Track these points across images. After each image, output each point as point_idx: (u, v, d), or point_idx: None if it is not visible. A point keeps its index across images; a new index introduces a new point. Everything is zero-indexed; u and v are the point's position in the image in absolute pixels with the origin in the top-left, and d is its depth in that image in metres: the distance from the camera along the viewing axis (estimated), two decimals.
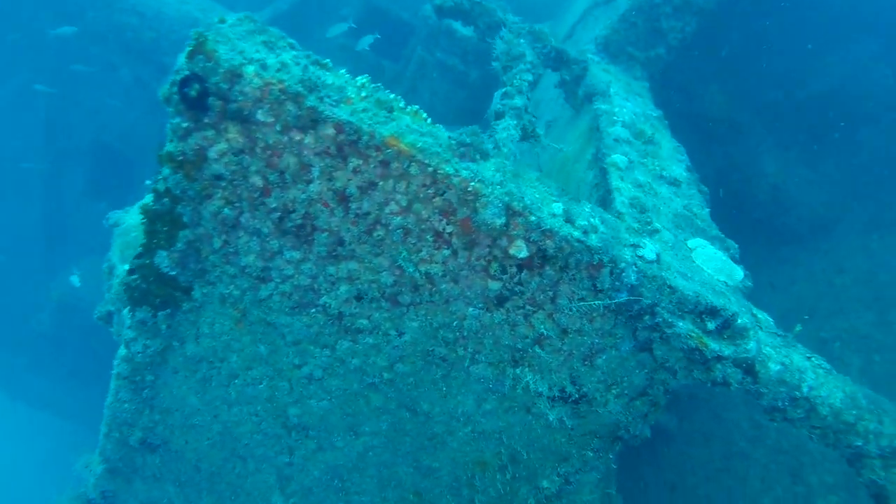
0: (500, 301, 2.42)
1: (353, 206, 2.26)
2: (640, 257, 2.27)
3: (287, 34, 2.43)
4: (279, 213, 2.35)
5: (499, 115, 3.17)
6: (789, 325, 7.56)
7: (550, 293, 2.34)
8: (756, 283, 8.59)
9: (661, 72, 5.24)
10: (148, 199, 2.40)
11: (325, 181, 2.23)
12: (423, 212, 2.23)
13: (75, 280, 8.64)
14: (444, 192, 2.17)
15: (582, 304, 2.28)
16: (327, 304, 2.60)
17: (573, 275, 2.26)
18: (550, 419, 2.58)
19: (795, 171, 7.51)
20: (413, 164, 2.13)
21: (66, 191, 12.51)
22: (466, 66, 8.15)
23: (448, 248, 2.30)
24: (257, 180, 2.27)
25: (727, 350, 2.25)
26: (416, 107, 2.36)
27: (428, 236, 2.28)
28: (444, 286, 2.41)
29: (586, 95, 4.07)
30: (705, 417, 6.08)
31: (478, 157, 2.24)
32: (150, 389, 2.90)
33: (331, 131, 2.10)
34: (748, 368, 2.27)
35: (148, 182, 2.51)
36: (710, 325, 2.27)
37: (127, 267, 2.53)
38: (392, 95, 2.33)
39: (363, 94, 2.22)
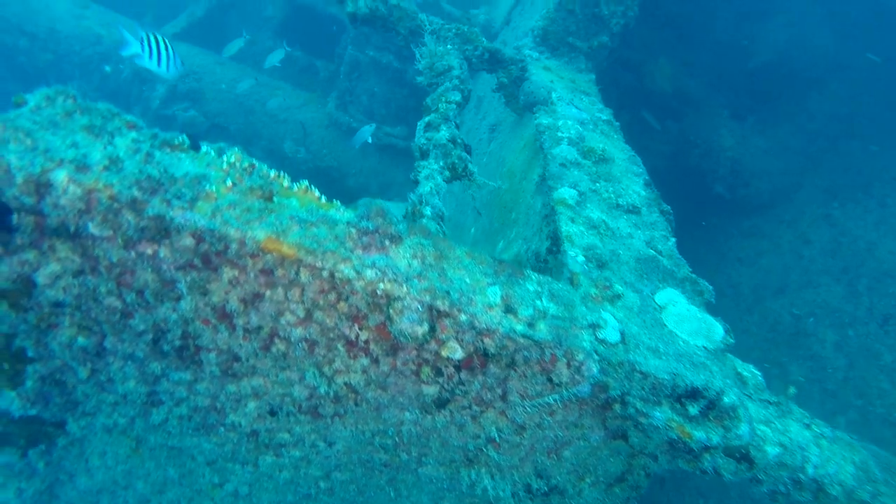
0: (441, 404, 1.98)
1: (240, 321, 1.78)
2: (602, 341, 1.86)
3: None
4: (151, 335, 1.85)
5: (424, 153, 2.70)
6: (762, 300, 7.34)
7: (499, 391, 1.92)
8: (723, 258, 8.32)
9: (607, 58, 4.82)
10: None
11: (198, 296, 1.73)
12: (328, 320, 1.76)
13: None
14: (349, 298, 1.71)
15: (537, 401, 1.87)
16: (236, 423, 2.14)
17: (523, 371, 1.84)
18: None
19: (752, 142, 7.25)
20: (302, 269, 1.66)
21: None
22: (402, 62, 7.58)
23: (366, 357, 1.85)
24: (113, 301, 1.76)
25: (715, 437, 1.87)
26: (305, 182, 1.88)
27: (339, 346, 1.82)
28: (370, 395, 1.97)
29: (527, 105, 3.61)
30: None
31: (387, 242, 1.77)
32: None
33: (188, 241, 1.61)
34: (742, 456, 1.89)
35: None
36: (693, 410, 1.88)
37: None
38: (272, 173, 1.84)
39: (229, 181, 1.72)
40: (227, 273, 1.67)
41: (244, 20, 9.55)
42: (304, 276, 1.66)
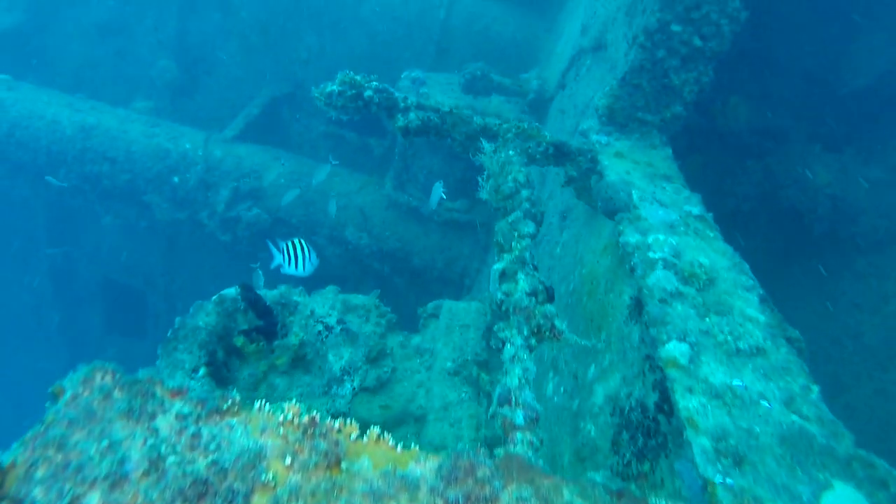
0: None
1: None
2: None
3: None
4: None
5: (502, 312, 2.36)
6: (894, 354, 6.38)
7: None
8: (835, 303, 7.40)
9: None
10: None
11: None
12: None
13: None
14: None
15: None
16: None
17: None
18: None
19: (855, 174, 6.46)
20: None
21: (83, 335, 12.22)
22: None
23: None
24: None
25: None
26: (377, 430, 1.58)
27: None
28: None
29: (606, 212, 3.22)
30: None
31: None
32: None
33: None
34: None
35: None
36: None
37: None
38: (335, 425, 1.55)
39: (289, 457, 1.44)
40: None
41: (296, 109, 9.79)
42: None
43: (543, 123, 6.95)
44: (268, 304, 3.32)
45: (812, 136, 6.62)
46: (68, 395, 1.47)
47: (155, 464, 1.37)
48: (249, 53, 9.60)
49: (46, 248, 10.80)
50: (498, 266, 2.53)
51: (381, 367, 4.45)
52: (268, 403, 1.59)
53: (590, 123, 4.24)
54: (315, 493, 1.41)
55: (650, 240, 2.82)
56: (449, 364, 4.46)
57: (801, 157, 6.64)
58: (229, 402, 1.55)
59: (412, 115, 3.78)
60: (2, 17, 9.55)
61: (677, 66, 3.99)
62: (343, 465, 1.49)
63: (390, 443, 1.57)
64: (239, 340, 3.21)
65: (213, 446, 1.44)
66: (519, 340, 2.13)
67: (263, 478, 1.40)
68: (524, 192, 2.97)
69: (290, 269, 3.49)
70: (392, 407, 4.33)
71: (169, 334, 2.91)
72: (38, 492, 1.27)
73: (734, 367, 2.21)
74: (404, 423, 3.87)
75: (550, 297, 2.49)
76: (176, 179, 8.32)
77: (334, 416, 1.67)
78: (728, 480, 1.77)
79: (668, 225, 3.09)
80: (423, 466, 1.53)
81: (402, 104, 3.81)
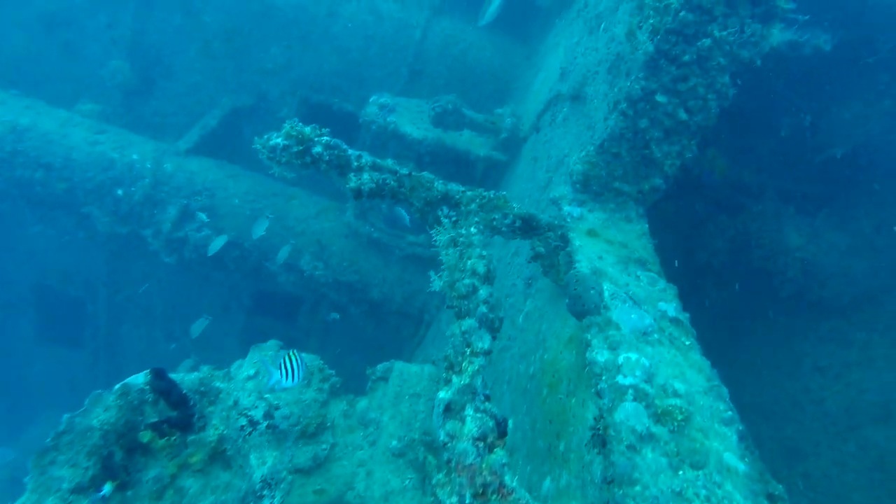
0: None
1: None
2: None
3: None
4: None
5: (439, 464, 1.98)
6: (860, 427, 6.28)
7: None
8: (798, 364, 7.27)
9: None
10: None
11: None
12: None
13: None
14: None
15: None
16: None
17: None
18: None
19: (826, 239, 6.33)
20: None
21: (12, 342, 11.38)
22: (423, 168, 6.98)
23: None
24: None
25: None
26: None
27: None
28: None
29: (574, 312, 2.87)
30: None
31: None
32: None
33: None
34: None
35: None
36: None
37: None
38: None
39: None
40: None
41: (258, 121, 9.24)
42: None
43: (515, 165, 6.62)
44: (183, 392, 2.86)
45: (786, 196, 6.47)
46: None
47: None
48: (211, 60, 9.02)
49: None
50: (443, 395, 2.15)
51: (320, 442, 4.02)
52: None
53: (562, 191, 3.91)
54: None
55: (620, 359, 2.48)
56: (394, 443, 4.06)
57: (775, 217, 6.48)
58: None
59: (366, 177, 3.38)
60: None
61: (660, 137, 3.69)
62: None
63: None
64: (146, 436, 2.75)
65: None
66: None
67: None
68: (482, 293, 2.60)
69: (287, 383, 3.41)
70: (328, 491, 3.90)
71: (48, 441, 2.43)
72: None
73: None
74: None
75: (503, 433, 2.13)
76: (120, 192, 7.70)
77: None
78: None
79: (641, 333, 2.77)
80: None
81: (355, 163, 3.40)
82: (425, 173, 3.49)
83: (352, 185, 3.39)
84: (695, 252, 6.91)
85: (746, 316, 7.30)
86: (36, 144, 7.50)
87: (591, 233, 3.57)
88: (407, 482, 3.85)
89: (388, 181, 3.39)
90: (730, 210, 6.75)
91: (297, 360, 3.25)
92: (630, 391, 2.36)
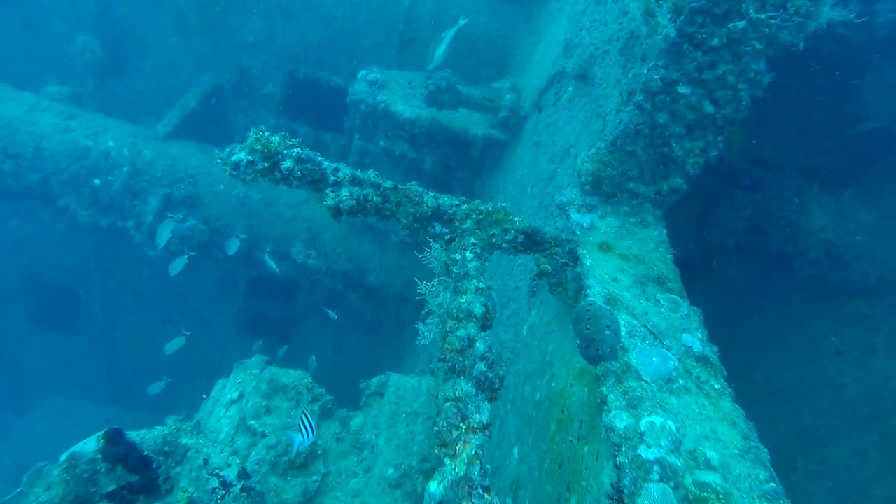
0: None
1: None
2: None
3: None
4: None
5: None
6: (884, 416, 6.00)
7: None
8: (817, 348, 6.94)
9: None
10: None
11: None
12: None
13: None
14: None
15: None
16: None
17: None
18: None
19: (853, 218, 5.87)
20: None
21: (6, 332, 11.18)
22: (418, 151, 6.52)
23: None
24: None
25: None
26: None
27: None
28: None
29: (588, 357, 2.49)
30: None
31: None
32: None
33: None
34: None
35: None
36: None
37: None
38: None
39: None
40: None
41: (244, 100, 8.66)
42: None
43: (515, 146, 6.12)
44: (144, 453, 2.52)
45: (810, 172, 5.98)
46: None
47: None
48: (187, 34, 8.37)
49: None
50: (434, 490, 1.79)
51: (310, 473, 3.73)
52: None
53: (569, 195, 3.46)
54: None
55: (643, 424, 2.11)
56: (391, 471, 3.76)
57: (797, 195, 6.01)
58: None
59: (345, 193, 2.94)
60: None
61: (681, 133, 3.22)
62: None
63: None
64: None
65: None
66: None
67: None
68: (480, 346, 2.21)
69: (308, 441, 3.43)
70: None
71: None
72: None
73: None
74: None
75: None
76: (97, 182, 7.24)
77: None
78: None
79: (665, 380, 2.39)
80: None
81: (332, 177, 2.96)
82: (413, 185, 3.05)
83: (329, 202, 2.95)
84: (708, 232, 6.49)
85: (761, 295, 6.93)
86: (2, 133, 6.99)
87: (604, 247, 3.15)
88: None
89: (370, 197, 2.96)
90: (747, 187, 6.28)
91: (309, 419, 3.13)
92: (655, 468, 1.99)
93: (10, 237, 9.40)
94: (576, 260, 3.09)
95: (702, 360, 2.55)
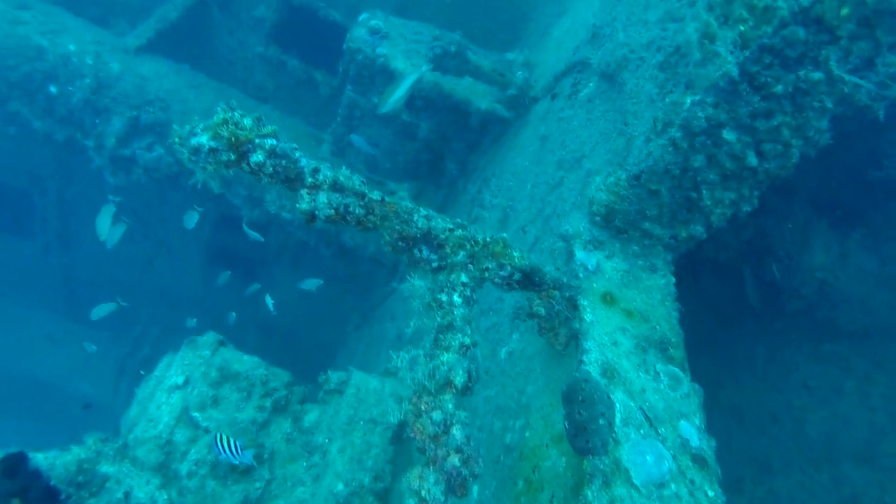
0: None
1: None
2: None
3: None
4: None
5: None
6: (838, 461, 6.00)
7: None
8: (785, 376, 6.88)
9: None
10: None
11: None
12: None
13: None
14: None
15: None
16: None
17: None
18: None
19: (854, 262, 5.64)
20: None
21: None
22: (415, 114, 5.96)
23: None
24: None
25: None
26: None
27: None
28: None
29: (577, 448, 2.18)
30: None
31: None
32: None
33: None
34: None
35: None
36: None
37: None
38: None
39: None
40: None
41: (231, 19, 7.81)
42: None
43: (520, 129, 5.61)
44: (51, 484, 2.17)
45: (820, 206, 5.68)
46: None
47: None
48: None
49: None
50: None
51: (253, 480, 3.45)
52: None
53: (577, 227, 3.06)
54: None
55: None
56: (340, 486, 3.50)
57: (803, 228, 5.73)
58: None
59: (322, 199, 2.49)
60: None
61: (714, 181, 2.83)
62: None
63: None
64: None
65: None
66: None
67: None
68: (457, 434, 1.87)
69: (235, 461, 3.17)
70: None
71: None
72: None
73: None
74: None
75: None
76: (53, 90, 6.50)
77: None
78: None
79: (658, 485, 2.11)
80: None
81: (310, 178, 2.49)
82: (404, 202, 2.61)
83: (303, 206, 2.51)
84: (702, 243, 6.21)
85: (739, 312, 6.76)
86: None
87: (607, 299, 2.80)
88: None
89: (352, 208, 2.52)
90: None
91: (231, 442, 2.78)
92: None
93: None
94: (574, 308, 2.74)
95: (698, 459, 2.27)
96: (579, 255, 2.94)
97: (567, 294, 2.75)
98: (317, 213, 2.52)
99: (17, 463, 2.15)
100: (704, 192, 2.86)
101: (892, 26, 2.23)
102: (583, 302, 2.72)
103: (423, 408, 1.93)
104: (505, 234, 2.68)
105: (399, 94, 4.87)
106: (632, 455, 2.16)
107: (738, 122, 2.62)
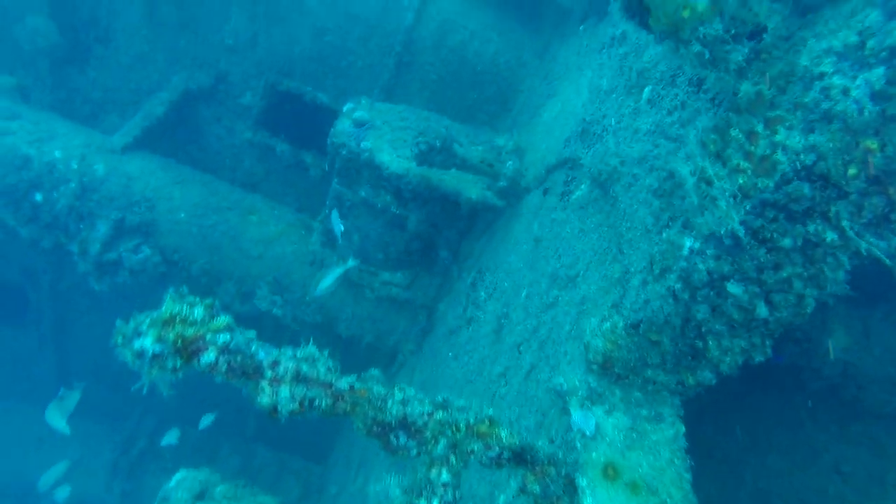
0: None
1: None
2: None
3: None
4: None
5: None
6: None
7: None
8: (814, 459, 6.42)
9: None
10: None
11: None
12: None
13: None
14: None
15: None
16: None
17: None
18: None
19: (880, 339, 5.28)
20: None
21: None
22: (403, 207, 5.76)
23: None
24: None
25: None
26: None
27: None
28: None
29: None
30: None
31: None
32: None
33: None
34: None
35: None
36: None
37: None
38: None
39: None
40: None
41: (217, 106, 7.76)
42: None
43: (512, 222, 5.39)
44: None
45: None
46: None
47: None
48: (159, 26, 7.41)
49: None
50: None
51: None
52: None
53: (572, 382, 2.77)
54: None
55: None
56: None
57: (820, 308, 5.38)
58: None
59: (284, 393, 2.23)
60: None
61: (721, 331, 2.54)
62: None
63: None
64: None
65: None
66: None
67: None
68: None
69: None
70: None
71: None
72: None
73: None
74: None
75: None
76: (39, 198, 6.39)
77: None
78: None
79: None
80: None
81: (269, 372, 2.24)
82: (377, 386, 2.34)
83: (264, 400, 2.24)
84: None
85: (758, 386, 6.35)
86: None
87: (609, 472, 2.48)
88: None
89: (317, 402, 2.25)
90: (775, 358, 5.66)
91: None
92: None
93: None
94: (572, 487, 2.43)
95: None
96: (576, 417, 2.64)
97: (564, 472, 2.45)
98: (279, 408, 2.25)
99: None
100: (711, 342, 2.58)
101: None
102: (581, 481, 2.41)
103: None
104: (491, 411, 2.40)
105: (327, 283, 5.55)
106: None
107: (744, 274, 2.35)
